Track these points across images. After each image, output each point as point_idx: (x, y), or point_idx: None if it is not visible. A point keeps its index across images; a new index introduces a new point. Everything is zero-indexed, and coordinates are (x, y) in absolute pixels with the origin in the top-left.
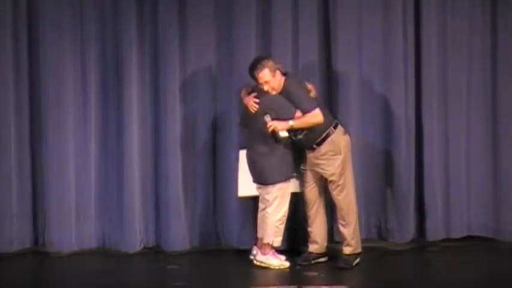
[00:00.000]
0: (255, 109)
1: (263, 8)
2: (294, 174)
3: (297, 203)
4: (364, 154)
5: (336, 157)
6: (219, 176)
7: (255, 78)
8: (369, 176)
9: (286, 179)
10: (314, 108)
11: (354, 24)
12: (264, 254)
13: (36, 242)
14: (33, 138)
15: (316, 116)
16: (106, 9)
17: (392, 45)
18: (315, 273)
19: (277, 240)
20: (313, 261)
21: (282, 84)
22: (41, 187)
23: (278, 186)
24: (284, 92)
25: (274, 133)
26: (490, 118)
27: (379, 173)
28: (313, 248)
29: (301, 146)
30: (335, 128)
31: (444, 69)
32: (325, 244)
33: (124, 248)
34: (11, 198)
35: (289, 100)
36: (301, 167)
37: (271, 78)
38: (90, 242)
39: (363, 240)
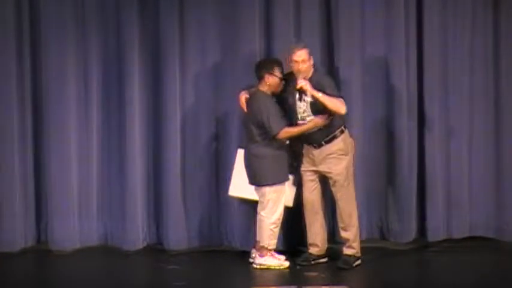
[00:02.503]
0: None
1: (265, 7)
2: (291, 178)
3: (297, 203)
4: (366, 155)
5: (344, 157)
6: (221, 176)
7: (293, 54)
8: (371, 177)
9: (279, 181)
10: (343, 99)
11: (355, 24)
12: (261, 256)
13: (39, 240)
14: (36, 137)
15: (343, 105)
16: (108, 8)
17: (394, 45)
18: (315, 273)
19: (272, 243)
20: (313, 262)
21: (311, 73)
22: (44, 186)
23: (271, 188)
24: (317, 80)
25: (300, 90)
26: (492, 118)
27: (381, 174)
28: (313, 250)
29: (310, 140)
30: (345, 128)
31: (446, 69)
32: (325, 247)
33: (126, 246)
34: (14, 197)
35: (322, 86)
36: (302, 169)
37: (308, 59)
38: (93, 240)
39: (365, 240)
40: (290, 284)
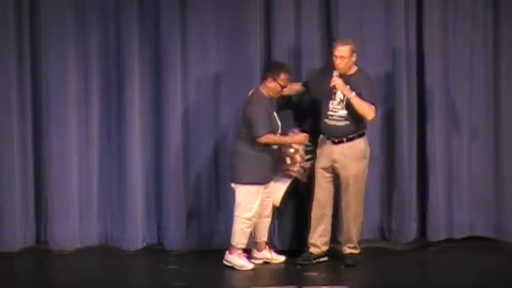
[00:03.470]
0: None
1: (266, 8)
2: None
3: (300, 202)
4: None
5: (364, 160)
6: (221, 176)
7: (334, 50)
8: (371, 177)
9: (254, 182)
10: (375, 106)
11: (355, 23)
12: (230, 253)
13: (38, 240)
14: (36, 137)
15: (371, 111)
16: (108, 10)
17: (394, 44)
18: (315, 273)
19: (242, 243)
20: (314, 261)
21: (353, 70)
22: (44, 186)
23: (244, 187)
24: (357, 80)
25: (333, 88)
26: (492, 118)
27: (381, 174)
28: (314, 250)
29: (333, 134)
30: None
31: (446, 69)
32: (326, 248)
33: (125, 247)
34: (13, 197)
35: (360, 86)
36: (318, 167)
37: (348, 56)
38: (93, 240)
39: (365, 241)
40: (290, 284)
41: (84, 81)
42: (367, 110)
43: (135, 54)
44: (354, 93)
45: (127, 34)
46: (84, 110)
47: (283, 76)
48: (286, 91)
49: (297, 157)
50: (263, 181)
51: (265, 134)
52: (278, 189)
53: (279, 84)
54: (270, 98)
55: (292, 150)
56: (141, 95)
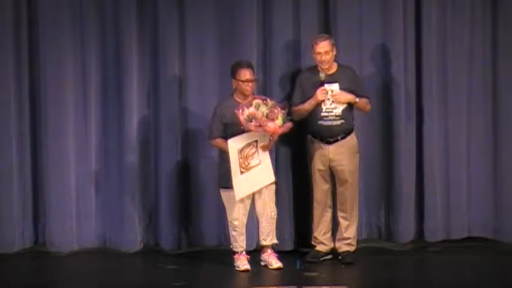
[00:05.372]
0: None
1: (264, 6)
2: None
3: (302, 203)
4: (365, 155)
5: (357, 155)
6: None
7: (316, 46)
8: (370, 177)
9: (222, 187)
10: (368, 100)
11: (354, 22)
12: (233, 255)
13: (36, 241)
14: (33, 138)
15: (368, 104)
16: (106, 9)
17: (392, 44)
18: (315, 273)
19: (234, 246)
20: (321, 259)
21: (335, 67)
22: (42, 187)
23: (221, 192)
24: (347, 72)
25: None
26: (490, 119)
27: (379, 174)
28: (321, 248)
29: (327, 135)
30: None
31: (444, 69)
32: (332, 245)
33: (124, 248)
34: (11, 199)
35: (352, 82)
36: (315, 168)
37: (331, 50)
38: (91, 241)
39: (364, 241)
40: (290, 284)
41: (82, 82)
42: (368, 107)
43: (133, 54)
44: (357, 99)
45: (125, 34)
46: (82, 111)
47: (239, 71)
48: None
49: (258, 113)
50: (231, 185)
51: (213, 138)
52: (266, 165)
53: (240, 80)
54: (245, 98)
55: (251, 108)
56: (139, 96)
